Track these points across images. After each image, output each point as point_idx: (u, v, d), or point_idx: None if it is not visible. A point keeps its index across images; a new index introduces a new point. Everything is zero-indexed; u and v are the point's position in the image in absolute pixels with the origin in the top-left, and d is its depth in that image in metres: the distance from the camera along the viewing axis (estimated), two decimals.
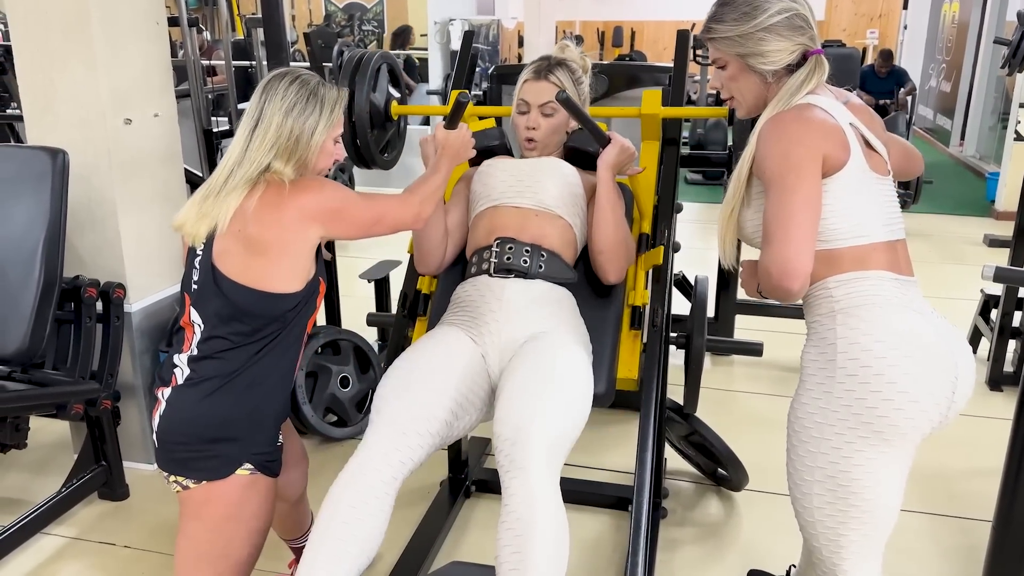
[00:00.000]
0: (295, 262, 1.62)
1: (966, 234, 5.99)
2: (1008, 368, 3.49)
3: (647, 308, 2.01)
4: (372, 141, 2.39)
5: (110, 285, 2.42)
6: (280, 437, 1.74)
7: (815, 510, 1.52)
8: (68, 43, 2.44)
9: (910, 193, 5.44)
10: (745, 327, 3.86)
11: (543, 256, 1.89)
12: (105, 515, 2.61)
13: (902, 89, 7.90)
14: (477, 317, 1.83)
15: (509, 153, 2.16)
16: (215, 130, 3.20)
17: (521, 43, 11.53)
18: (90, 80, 2.46)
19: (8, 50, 3.22)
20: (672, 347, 2.23)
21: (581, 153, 2.05)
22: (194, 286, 1.68)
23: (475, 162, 2.14)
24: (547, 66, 2.02)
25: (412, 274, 2.12)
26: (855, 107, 1.54)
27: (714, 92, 1.66)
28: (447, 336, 1.81)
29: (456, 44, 7.10)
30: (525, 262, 1.86)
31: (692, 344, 2.24)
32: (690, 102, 8.21)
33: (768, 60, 1.48)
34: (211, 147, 3.13)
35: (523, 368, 1.65)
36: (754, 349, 2.55)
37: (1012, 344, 3.50)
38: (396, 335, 2.09)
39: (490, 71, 2.93)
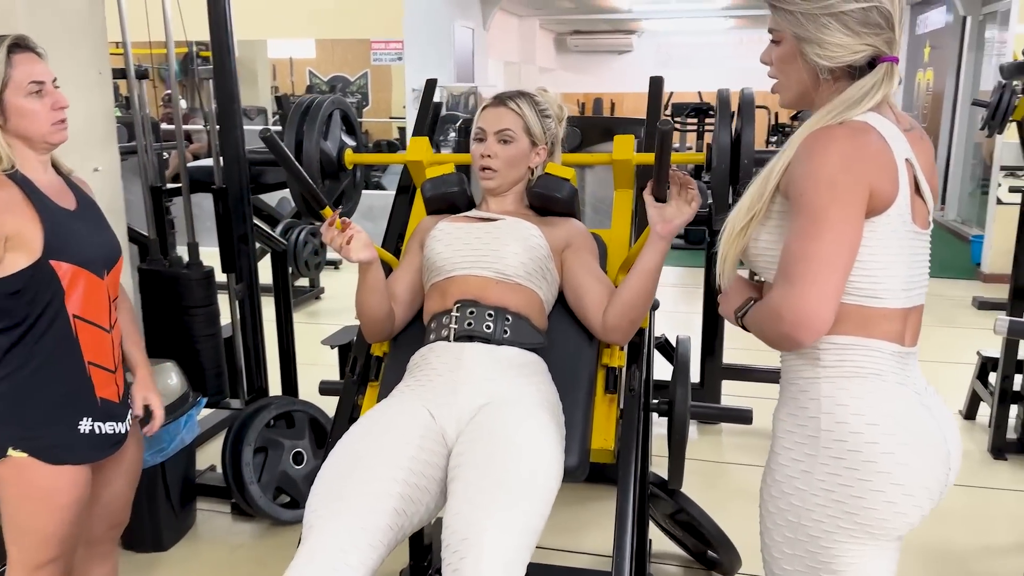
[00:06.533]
0: None
1: (954, 296, 5.86)
2: (1011, 435, 3.29)
3: (623, 370, 1.81)
4: (324, 193, 2.21)
5: None
6: (82, 429, 1.64)
7: None
8: None
9: None
10: (732, 393, 3.66)
11: (508, 320, 1.70)
12: None
13: None
14: (434, 380, 1.64)
15: (470, 201, 1.99)
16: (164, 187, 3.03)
17: None
18: None
19: None
20: (654, 415, 2.02)
21: (548, 199, 1.87)
22: None
23: (435, 210, 1.97)
24: (509, 94, 1.88)
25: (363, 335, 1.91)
26: (915, 138, 1.27)
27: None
28: (398, 410, 1.60)
29: None
30: (488, 327, 1.68)
31: (675, 411, 2.02)
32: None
33: (825, 53, 1.22)
34: (159, 205, 2.94)
35: (476, 451, 1.46)
36: (743, 416, 2.34)
37: (1014, 409, 3.30)
38: (342, 406, 1.87)
39: (459, 124, 2.78)
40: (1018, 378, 3.26)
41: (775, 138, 8.77)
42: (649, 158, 2.03)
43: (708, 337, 3.49)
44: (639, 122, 2.78)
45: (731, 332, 3.43)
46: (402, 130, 8.58)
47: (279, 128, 7.18)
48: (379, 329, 1.81)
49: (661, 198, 1.61)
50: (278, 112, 6.79)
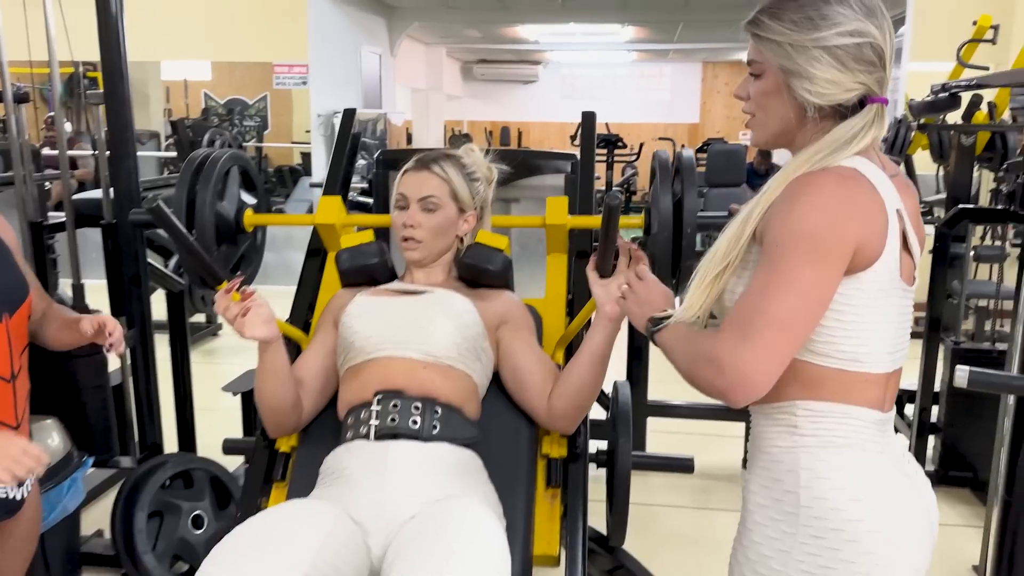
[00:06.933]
0: None
1: None
2: (929, 467, 3.33)
3: (564, 461, 1.66)
4: (220, 258, 1.98)
5: None
6: None
7: None
8: None
9: None
10: (656, 429, 3.58)
11: (437, 412, 1.51)
12: None
13: None
14: (354, 488, 1.43)
15: (391, 273, 1.80)
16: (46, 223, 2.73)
17: (410, 140, 11.46)
18: None
19: None
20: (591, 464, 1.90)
21: (480, 271, 1.71)
22: None
23: (351, 283, 1.77)
24: (432, 156, 1.71)
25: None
26: (901, 185, 1.16)
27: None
28: (309, 502, 1.41)
29: None
30: (415, 422, 1.49)
31: (618, 465, 1.91)
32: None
33: (815, 89, 1.11)
34: (39, 243, 2.65)
35: (416, 541, 1.28)
36: (684, 465, 2.25)
37: (931, 441, 3.35)
38: (246, 503, 1.64)
39: (376, 156, 2.62)
40: (935, 409, 3.32)
41: None
42: (585, 221, 1.91)
43: (632, 372, 3.41)
44: (566, 157, 2.69)
45: (656, 365, 3.37)
46: (305, 155, 8.32)
47: (173, 154, 6.79)
48: (283, 422, 1.59)
49: (605, 274, 1.48)
50: (172, 136, 6.43)
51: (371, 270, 1.75)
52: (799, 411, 1.14)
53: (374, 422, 1.48)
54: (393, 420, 1.48)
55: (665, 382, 3.27)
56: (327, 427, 1.63)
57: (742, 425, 3.50)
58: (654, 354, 3.69)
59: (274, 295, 3.46)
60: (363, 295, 1.67)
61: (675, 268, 1.76)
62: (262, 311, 1.44)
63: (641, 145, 10.72)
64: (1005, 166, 3.10)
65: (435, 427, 1.50)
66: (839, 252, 1.06)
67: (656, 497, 3.19)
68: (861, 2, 1.11)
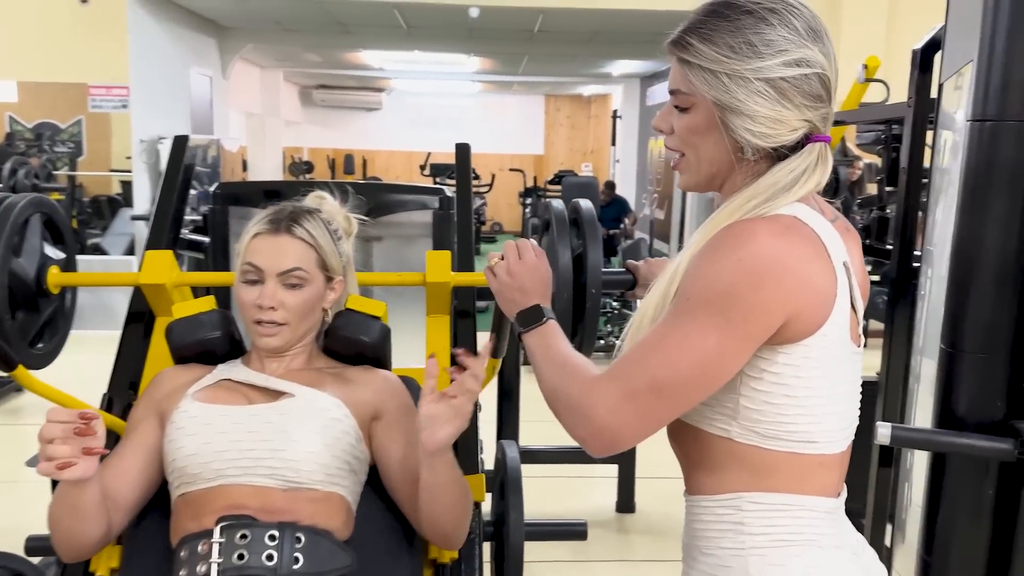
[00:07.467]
0: None
1: None
2: None
3: (456, 565, 1.44)
4: (14, 330, 1.60)
5: None
6: None
7: None
8: None
9: None
10: (523, 475, 3.39)
11: (299, 540, 1.20)
12: None
13: (626, 219, 8.35)
14: None
15: (236, 346, 1.46)
16: None
17: (246, 167, 10.85)
18: None
19: None
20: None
21: (353, 343, 1.41)
22: None
23: (185, 356, 1.43)
24: (290, 214, 1.34)
25: None
26: (842, 230, 1.00)
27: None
28: None
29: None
30: (270, 557, 1.18)
31: (509, 538, 1.69)
32: None
33: (756, 129, 0.94)
34: None
35: None
36: (577, 531, 2.07)
37: None
38: None
39: (213, 189, 2.29)
40: None
41: (531, 200, 8.96)
42: (472, 279, 1.68)
43: (502, 414, 3.20)
44: (433, 191, 2.47)
45: (527, 403, 3.19)
46: (126, 184, 7.63)
47: None
48: (83, 553, 1.26)
49: (498, 355, 1.31)
50: None
51: (211, 345, 1.42)
52: (746, 505, 0.97)
53: (216, 559, 1.17)
54: (241, 557, 1.17)
55: (533, 422, 3.10)
56: (159, 545, 1.29)
57: (614, 467, 3.40)
58: (525, 395, 3.51)
59: (91, 341, 3.01)
60: (195, 396, 1.31)
61: (574, 334, 1.54)
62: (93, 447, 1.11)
63: (493, 176, 10.70)
64: (859, 200, 3.19)
65: (297, 560, 1.19)
66: (757, 321, 0.90)
67: (531, 552, 2.99)
68: (807, 24, 0.95)
